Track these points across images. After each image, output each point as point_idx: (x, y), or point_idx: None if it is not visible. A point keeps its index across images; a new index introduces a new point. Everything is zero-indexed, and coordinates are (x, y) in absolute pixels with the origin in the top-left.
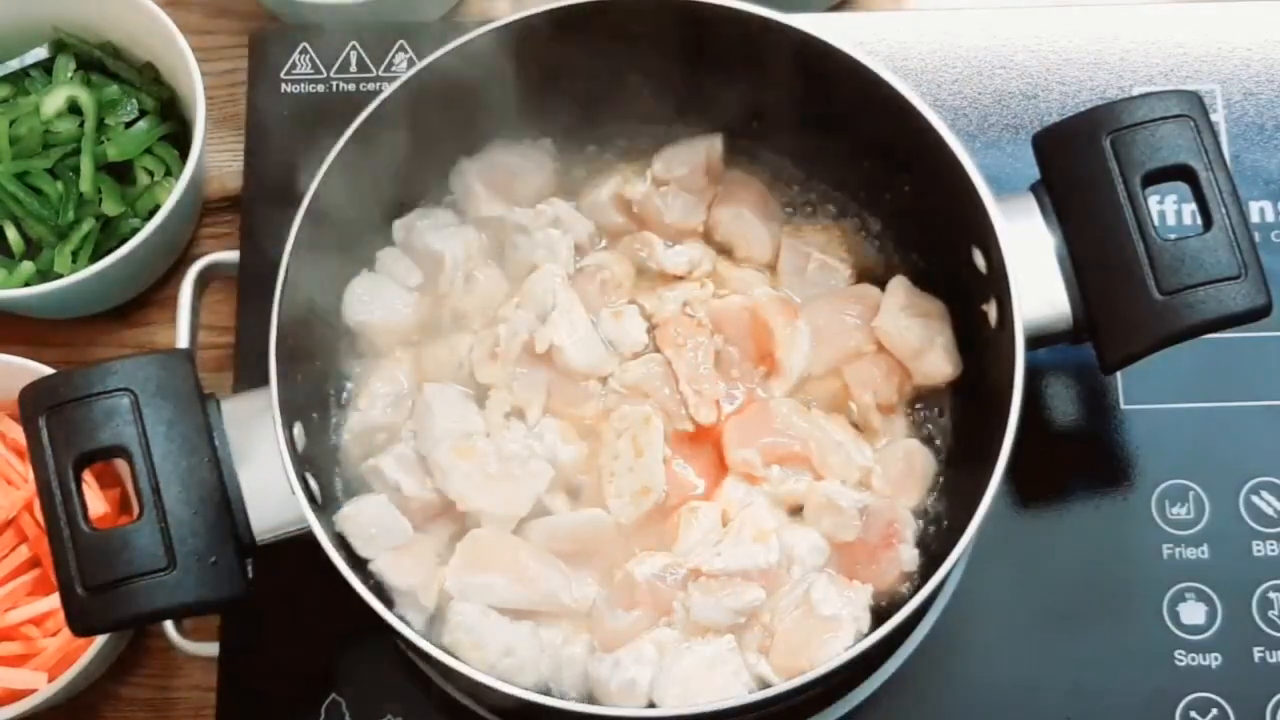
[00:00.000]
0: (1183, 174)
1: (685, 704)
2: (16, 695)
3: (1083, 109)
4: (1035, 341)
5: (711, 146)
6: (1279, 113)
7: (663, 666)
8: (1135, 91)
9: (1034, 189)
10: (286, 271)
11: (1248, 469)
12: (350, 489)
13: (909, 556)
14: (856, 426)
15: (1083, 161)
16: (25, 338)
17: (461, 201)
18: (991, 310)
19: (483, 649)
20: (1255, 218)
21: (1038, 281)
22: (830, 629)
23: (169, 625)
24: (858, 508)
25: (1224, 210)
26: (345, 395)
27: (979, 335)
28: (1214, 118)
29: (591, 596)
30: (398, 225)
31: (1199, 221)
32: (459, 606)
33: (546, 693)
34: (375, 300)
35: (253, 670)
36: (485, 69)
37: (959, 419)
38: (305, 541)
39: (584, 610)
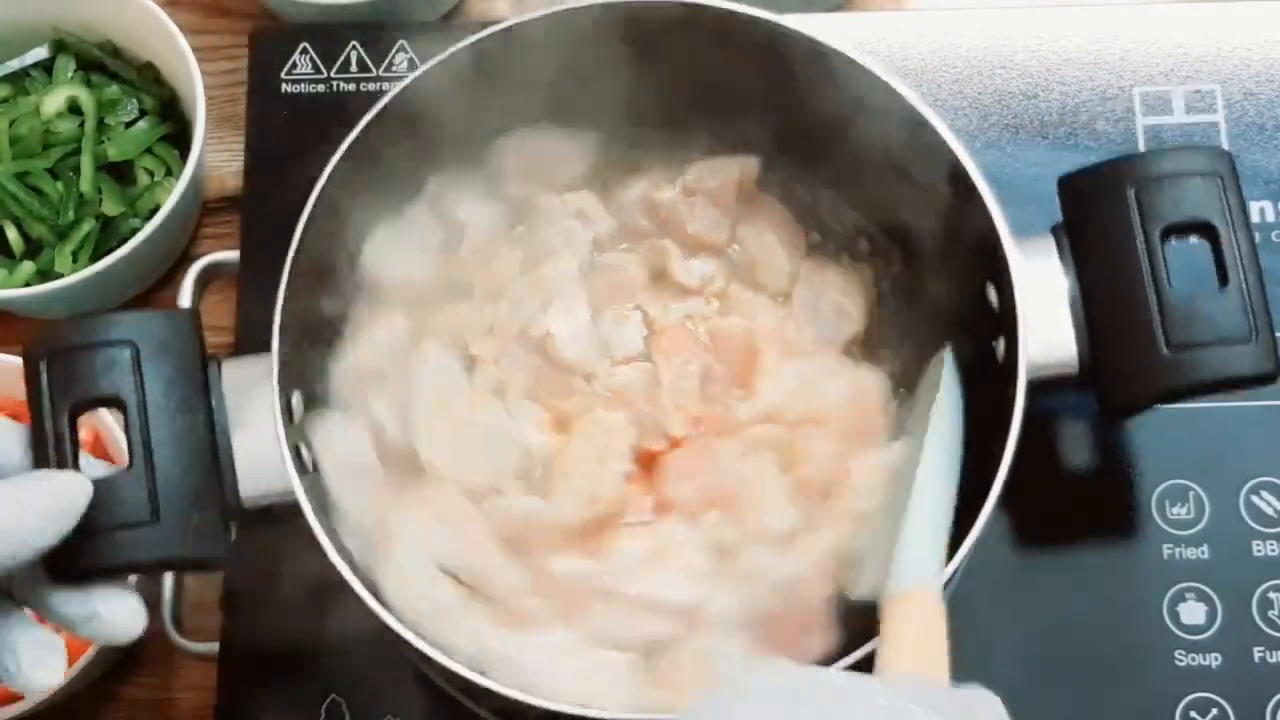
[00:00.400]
0: (1204, 230)
1: (575, 701)
2: (16, 695)
3: (1083, 109)
4: (1040, 387)
5: (746, 165)
6: (1279, 113)
7: (544, 655)
8: (1135, 91)
9: (1054, 231)
10: (288, 272)
11: (1248, 469)
12: None
13: (824, 642)
14: None
15: (1106, 209)
16: (25, 338)
17: (493, 177)
18: (999, 347)
19: (416, 600)
20: (1255, 218)
21: (1047, 324)
22: None
23: (169, 625)
24: (782, 581)
25: (1242, 271)
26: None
27: (986, 369)
28: (1214, 117)
29: (516, 585)
30: (432, 181)
31: (1214, 275)
32: (400, 548)
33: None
34: (394, 254)
35: (253, 670)
36: (485, 70)
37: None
38: (305, 542)
39: (506, 595)
